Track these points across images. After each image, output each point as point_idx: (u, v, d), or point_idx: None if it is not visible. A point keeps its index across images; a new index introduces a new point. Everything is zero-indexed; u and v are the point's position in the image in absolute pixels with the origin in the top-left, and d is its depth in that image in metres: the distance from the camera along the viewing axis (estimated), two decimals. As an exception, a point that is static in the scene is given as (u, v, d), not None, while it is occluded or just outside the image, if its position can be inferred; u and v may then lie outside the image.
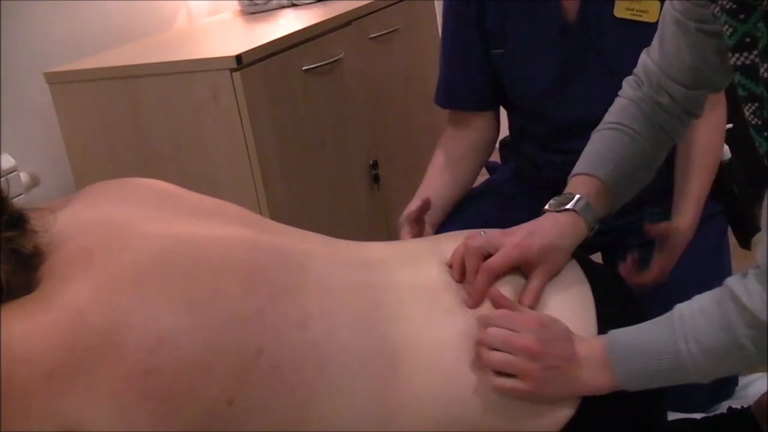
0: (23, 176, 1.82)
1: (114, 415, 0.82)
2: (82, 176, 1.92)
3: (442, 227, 1.52)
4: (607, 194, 1.14)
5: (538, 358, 0.96)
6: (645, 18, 1.42)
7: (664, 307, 1.12)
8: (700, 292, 1.44)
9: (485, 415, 0.97)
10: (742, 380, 1.50)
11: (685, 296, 1.39)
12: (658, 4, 1.40)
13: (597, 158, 1.17)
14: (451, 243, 1.10)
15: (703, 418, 1.31)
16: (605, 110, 1.35)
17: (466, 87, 1.60)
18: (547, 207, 1.14)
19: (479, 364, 0.98)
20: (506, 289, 1.05)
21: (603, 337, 0.99)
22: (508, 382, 0.97)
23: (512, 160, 1.76)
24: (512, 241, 1.08)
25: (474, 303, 1.04)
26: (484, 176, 1.83)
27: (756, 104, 0.93)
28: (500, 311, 1.02)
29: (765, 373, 1.51)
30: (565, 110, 1.52)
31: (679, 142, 1.23)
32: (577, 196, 1.12)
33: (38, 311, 0.83)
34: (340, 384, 0.93)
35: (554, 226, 1.11)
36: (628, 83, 1.20)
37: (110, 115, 1.84)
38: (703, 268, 1.46)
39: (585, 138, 1.35)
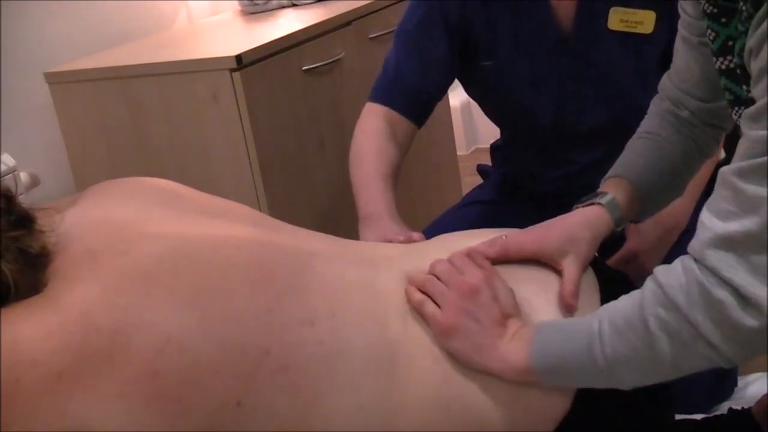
0: (23, 176, 1.82)
1: (122, 416, 0.81)
2: (82, 176, 1.92)
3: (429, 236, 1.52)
4: (635, 195, 1.14)
5: (465, 298, 0.97)
6: (640, 29, 1.41)
7: None
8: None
9: (487, 410, 0.97)
10: (741, 381, 1.51)
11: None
12: (653, 14, 1.40)
13: (626, 163, 1.17)
14: (462, 243, 1.10)
15: (702, 419, 1.30)
16: (600, 120, 1.35)
17: (413, 90, 1.52)
18: (576, 205, 1.14)
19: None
20: (531, 287, 1.04)
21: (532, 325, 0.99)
22: (429, 306, 0.99)
23: (503, 164, 1.75)
24: (530, 236, 1.08)
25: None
26: (477, 178, 1.83)
27: (742, 108, 0.92)
28: (460, 254, 1.03)
29: (764, 373, 1.51)
30: (561, 121, 1.51)
31: (712, 155, 1.20)
32: (605, 193, 1.13)
33: (45, 312, 0.83)
34: (346, 382, 0.93)
35: (577, 217, 1.11)
36: (653, 101, 1.21)
37: (110, 115, 1.84)
38: None
39: (580, 148, 1.35)
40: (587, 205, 1.12)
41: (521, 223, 1.15)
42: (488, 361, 0.96)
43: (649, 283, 0.88)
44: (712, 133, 1.17)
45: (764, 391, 1.29)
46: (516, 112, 1.58)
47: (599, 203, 1.11)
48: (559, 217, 1.11)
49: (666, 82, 1.18)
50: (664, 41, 1.41)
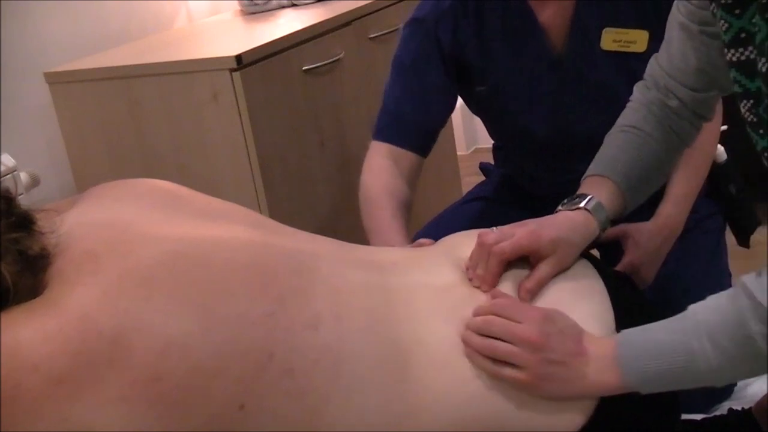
0: (23, 176, 1.82)
1: (123, 420, 0.81)
2: (82, 176, 1.92)
3: (430, 231, 1.52)
4: (619, 195, 1.14)
5: (539, 350, 0.95)
6: (633, 48, 1.40)
7: (665, 307, 1.12)
8: (699, 291, 1.44)
9: (497, 416, 0.96)
10: (741, 381, 1.50)
11: (685, 296, 1.39)
12: (646, 33, 1.39)
13: (609, 160, 1.17)
14: (466, 244, 1.10)
15: (703, 419, 1.30)
16: (596, 133, 1.35)
17: (415, 123, 1.51)
18: (559, 207, 1.14)
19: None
20: (510, 282, 1.05)
21: (614, 335, 0.98)
22: (506, 370, 0.96)
23: (504, 165, 1.75)
24: (523, 230, 1.08)
25: (486, 286, 1.04)
26: (477, 178, 1.83)
27: (752, 101, 0.92)
28: (503, 300, 1.00)
29: (764, 374, 1.51)
30: (556, 137, 1.51)
31: (691, 144, 1.21)
32: (589, 196, 1.12)
33: (45, 316, 0.82)
34: (352, 387, 0.92)
35: (566, 221, 1.11)
36: (638, 88, 1.20)
37: (110, 115, 1.84)
38: (701, 269, 1.46)
39: (577, 157, 1.35)
40: (573, 209, 1.12)
41: (519, 218, 1.15)
42: (583, 391, 0.97)
43: (742, 298, 0.90)
44: (696, 123, 1.17)
45: (764, 391, 1.29)
46: (512, 131, 1.58)
47: (586, 209, 1.11)
48: (548, 218, 1.11)
49: (656, 68, 1.16)
50: None
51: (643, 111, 1.17)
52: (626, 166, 1.15)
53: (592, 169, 1.17)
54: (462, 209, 1.69)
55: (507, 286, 1.05)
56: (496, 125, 1.62)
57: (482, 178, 1.83)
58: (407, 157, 1.50)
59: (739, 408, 1.28)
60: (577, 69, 1.45)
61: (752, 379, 1.50)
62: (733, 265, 1.57)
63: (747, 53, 0.90)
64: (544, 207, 1.38)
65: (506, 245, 1.06)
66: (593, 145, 1.49)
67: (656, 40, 1.38)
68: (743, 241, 1.56)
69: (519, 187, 1.68)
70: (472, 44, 1.47)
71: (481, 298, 1.03)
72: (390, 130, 1.52)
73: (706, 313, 0.93)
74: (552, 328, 0.97)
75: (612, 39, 1.41)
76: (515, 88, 1.49)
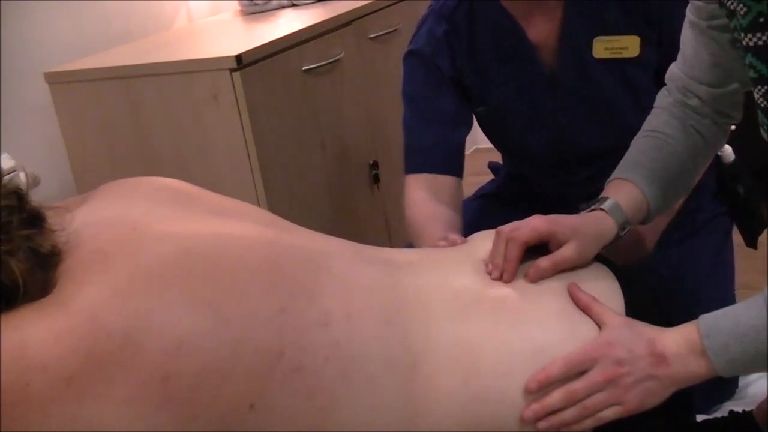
0: (23, 176, 1.82)
1: (133, 420, 0.80)
2: (82, 176, 1.92)
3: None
4: (639, 196, 1.14)
5: (620, 381, 0.95)
6: (626, 54, 1.41)
7: (674, 305, 1.12)
8: (707, 290, 1.44)
9: (504, 417, 0.96)
10: (742, 381, 1.50)
11: (693, 294, 1.40)
12: (637, 38, 1.39)
13: (629, 163, 1.17)
14: (483, 243, 1.09)
15: (703, 421, 1.30)
16: (597, 143, 1.36)
17: (440, 149, 1.53)
18: (580, 212, 1.14)
19: (496, 366, 0.97)
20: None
21: (692, 325, 0.97)
22: (606, 414, 0.96)
23: (510, 167, 1.76)
24: (540, 217, 1.08)
25: (506, 275, 1.03)
26: (488, 176, 1.84)
27: (766, 87, 0.92)
28: (558, 363, 0.96)
29: (764, 374, 1.51)
30: (558, 150, 1.52)
31: (719, 147, 1.21)
32: (607, 198, 1.13)
33: (55, 316, 0.81)
34: (362, 386, 0.91)
35: (581, 217, 1.12)
36: (659, 94, 1.21)
37: (110, 115, 1.84)
38: (708, 269, 1.47)
39: (580, 166, 1.36)
40: (590, 211, 1.12)
41: (526, 215, 1.15)
42: (677, 387, 0.97)
43: None
44: (720, 123, 1.16)
45: (765, 392, 1.29)
46: (514, 147, 1.61)
47: (601, 208, 1.11)
48: (566, 215, 1.11)
49: (674, 71, 1.18)
50: (653, 63, 1.41)
51: (664, 115, 1.18)
52: (647, 168, 1.15)
53: (614, 174, 1.17)
54: (470, 206, 1.70)
55: (542, 287, 1.03)
56: (499, 142, 1.64)
57: (482, 177, 1.84)
58: (443, 180, 1.51)
59: (740, 410, 1.28)
60: (572, 82, 1.45)
61: (753, 380, 1.50)
62: (741, 264, 1.58)
63: (765, 38, 0.90)
64: (551, 206, 1.38)
65: (523, 230, 1.06)
66: (595, 155, 1.49)
67: (649, 45, 1.39)
68: (751, 241, 1.56)
69: (525, 186, 1.69)
70: (469, 68, 1.50)
71: (497, 298, 1.03)
72: (419, 160, 1.54)
73: None
74: (620, 351, 0.96)
75: (604, 47, 1.41)
76: (514, 108, 1.50)
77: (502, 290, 1.04)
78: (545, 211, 1.13)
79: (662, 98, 1.20)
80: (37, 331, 0.80)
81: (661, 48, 1.39)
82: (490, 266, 1.05)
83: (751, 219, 1.54)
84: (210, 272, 0.89)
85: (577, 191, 1.41)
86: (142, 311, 0.83)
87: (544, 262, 1.04)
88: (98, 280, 0.84)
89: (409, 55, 1.55)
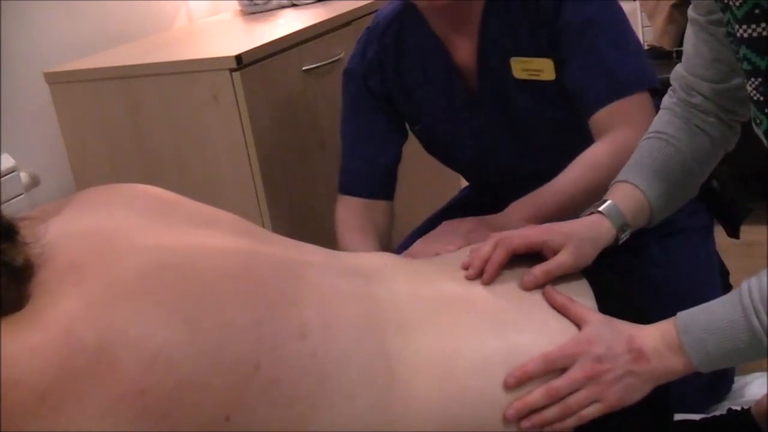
0: (23, 176, 1.82)
1: None
2: (82, 176, 1.92)
3: (404, 246, 1.53)
4: (638, 197, 1.14)
5: (600, 378, 0.96)
6: (542, 77, 1.40)
7: (656, 302, 1.12)
8: (690, 286, 1.44)
9: (484, 416, 0.97)
10: (739, 380, 1.51)
11: (676, 291, 1.40)
12: (551, 62, 1.39)
13: (631, 166, 1.17)
14: (464, 252, 1.10)
15: (701, 419, 1.30)
16: (530, 167, 1.35)
17: (370, 172, 1.57)
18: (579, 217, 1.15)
19: (473, 365, 0.98)
20: (518, 276, 1.04)
21: (669, 321, 0.98)
22: (587, 411, 0.97)
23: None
24: (533, 230, 1.09)
25: (486, 276, 1.04)
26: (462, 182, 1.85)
27: (759, 79, 0.92)
28: (537, 359, 0.97)
29: (763, 373, 1.51)
30: (489, 174, 1.56)
31: (728, 147, 1.20)
32: (605, 201, 1.13)
33: (28, 330, 0.80)
34: (340, 394, 0.91)
35: (576, 222, 1.12)
36: (666, 95, 1.21)
37: (110, 115, 1.84)
38: (692, 266, 1.47)
39: (519, 191, 1.37)
40: (587, 215, 1.13)
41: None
42: (656, 382, 0.98)
43: None
44: (727, 120, 1.16)
45: (763, 391, 1.29)
46: (451, 165, 1.66)
47: (598, 211, 1.12)
48: (557, 223, 1.12)
49: (677, 69, 1.18)
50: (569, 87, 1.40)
51: (666, 115, 1.18)
52: (648, 170, 1.15)
53: (617, 177, 1.18)
54: (445, 217, 1.69)
55: (510, 285, 1.04)
56: (437, 156, 1.66)
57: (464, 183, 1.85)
58: (372, 204, 1.55)
59: (738, 408, 1.28)
60: (492, 102, 1.46)
61: (750, 379, 1.50)
62: (737, 265, 1.58)
63: (759, 29, 0.90)
64: None
65: (514, 237, 1.07)
66: (522, 178, 1.49)
67: (564, 69, 1.38)
68: (733, 232, 1.56)
69: (494, 197, 1.68)
70: (398, 90, 1.52)
71: (471, 300, 1.03)
72: (349, 183, 1.58)
73: (762, 290, 0.93)
74: (599, 348, 0.97)
75: (521, 68, 1.42)
76: (443, 129, 1.53)
77: (475, 293, 1.05)
78: None
79: (667, 98, 1.20)
80: (11, 346, 0.79)
81: (565, 72, 1.38)
82: (470, 268, 1.06)
83: (729, 211, 1.54)
84: (186, 284, 0.88)
85: None
86: (117, 324, 0.82)
87: (538, 269, 1.05)
88: (73, 292, 0.83)
89: (345, 74, 1.59)
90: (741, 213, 1.54)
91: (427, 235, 1.35)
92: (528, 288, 1.04)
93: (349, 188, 1.57)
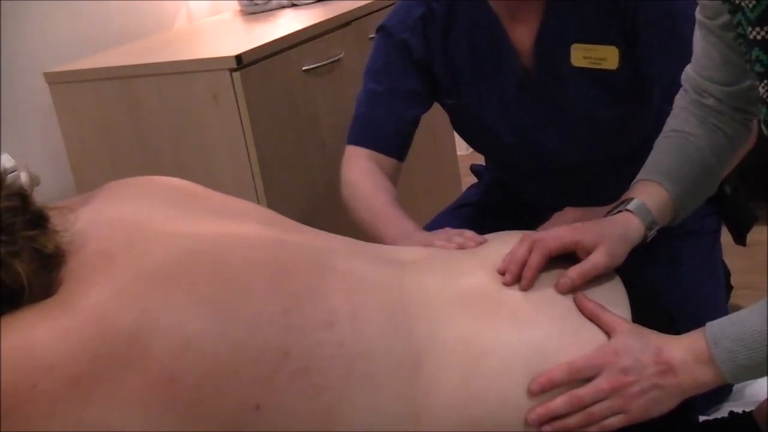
0: (23, 176, 1.82)
1: (139, 421, 0.80)
2: (82, 176, 1.92)
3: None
4: (664, 195, 1.13)
5: (625, 391, 0.95)
6: (604, 66, 1.36)
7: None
8: (698, 290, 1.43)
9: (503, 417, 0.96)
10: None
11: (683, 298, 1.39)
12: (616, 50, 1.34)
13: (652, 164, 1.16)
14: (496, 246, 1.09)
15: (703, 422, 1.30)
16: (574, 158, 1.31)
17: (388, 128, 1.50)
18: (605, 215, 1.14)
19: (498, 366, 0.97)
20: (550, 277, 1.03)
21: (698, 333, 0.97)
22: (613, 421, 0.95)
23: (490, 170, 1.74)
24: (566, 230, 1.07)
25: (513, 279, 1.02)
26: (472, 178, 1.83)
27: None
28: (562, 366, 0.96)
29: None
30: (533, 160, 1.49)
31: (744, 144, 1.18)
32: (632, 198, 1.12)
33: (61, 317, 0.81)
34: (367, 384, 0.91)
35: (605, 220, 1.11)
36: (677, 96, 1.20)
37: (110, 115, 1.84)
38: (698, 270, 1.46)
39: (561, 178, 1.32)
40: (615, 213, 1.12)
41: (513, 226, 1.14)
42: (684, 395, 0.96)
43: None
44: (740, 119, 1.15)
45: (764, 392, 1.29)
46: (486, 147, 1.57)
47: (627, 209, 1.11)
48: (587, 221, 1.11)
49: (688, 72, 1.17)
50: (634, 78, 1.36)
51: (683, 114, 1.17)
52: (670, 168, 1.14)
53: (638, 175, 1.17)
54: (450, 217, 1.68)
55: (542, 287, 1.03)
56: (470, 139, 1.60)
57: (472, 179, 1.82)
58: (384, 160, 1.48)
59: (740, 410, 1.28)
60: (545, 88, 1.41)
61: (750, 380, 1.49)
62: (729, 261, 1.58)
63: None
64: (539, 217, 1.36)
65: (549, 239, 1.04)
66: (571, 168, 1.45)
67: (628, 59, 1.34)
68: (740, 239, 1.56)
69: (511, 195, 1.65)
70: (440, 60, 1.46)
71: (501, 299, 1.02)
72: (364, 134, 1.50)
73: None
74: (626, 359, 0.96)
75: (582, 55, 1.37)
76: (484, 107, 1.46)
77: (507, 292, 1.03)
78: (532, 223, 1.11)
79: (680, 98, 1.19)
80: (43, 332, 0.80)
81: (639, 62, 1.34)
82: (506, 273, 1.04)
83: (739, 217, 1.53)
84: (215, 273, 0.89)
85: (572, 203, 1.37)
86: (148, 313, 0.83)
87: (573, 271, 1.03)
88: (103, 280, 0.84)
89: (381, 30, 1.51)
90: (750, 220, 1.54)
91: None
92: (564, 291, 1.02)
93: (363, 139, 1.49)
